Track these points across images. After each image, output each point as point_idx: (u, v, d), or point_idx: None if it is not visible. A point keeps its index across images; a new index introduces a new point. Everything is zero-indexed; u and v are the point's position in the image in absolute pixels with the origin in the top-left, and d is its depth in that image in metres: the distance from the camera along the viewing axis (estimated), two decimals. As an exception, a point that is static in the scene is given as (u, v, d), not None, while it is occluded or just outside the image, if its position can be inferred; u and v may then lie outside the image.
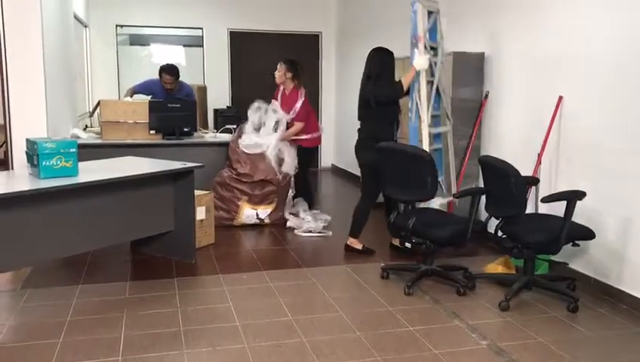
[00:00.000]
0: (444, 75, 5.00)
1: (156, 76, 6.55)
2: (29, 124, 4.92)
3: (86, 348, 3.09)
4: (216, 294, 3.93)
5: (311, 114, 6.07)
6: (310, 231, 5.52)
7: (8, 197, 3.37)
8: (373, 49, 4.82)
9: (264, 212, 5.71)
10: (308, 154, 6.09)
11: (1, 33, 4.80)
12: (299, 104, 5.87)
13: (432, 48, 4.77)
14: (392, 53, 4.75)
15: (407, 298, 3.88)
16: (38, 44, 4.91)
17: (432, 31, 4.83)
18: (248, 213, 5.67)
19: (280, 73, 5.95)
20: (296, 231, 5.56)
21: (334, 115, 7.39)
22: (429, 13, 4.73)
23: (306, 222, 5.64)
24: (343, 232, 5.11)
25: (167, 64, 6.64)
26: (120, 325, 3.38)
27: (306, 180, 6.21)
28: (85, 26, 8.28)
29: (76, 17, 7.19)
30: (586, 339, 3.33)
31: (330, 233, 5.51)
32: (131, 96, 6.52)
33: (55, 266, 4.42)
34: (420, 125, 4.61)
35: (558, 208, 3.78)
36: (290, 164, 5.76)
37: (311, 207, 6.10)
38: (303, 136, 5.92)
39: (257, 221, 5.70)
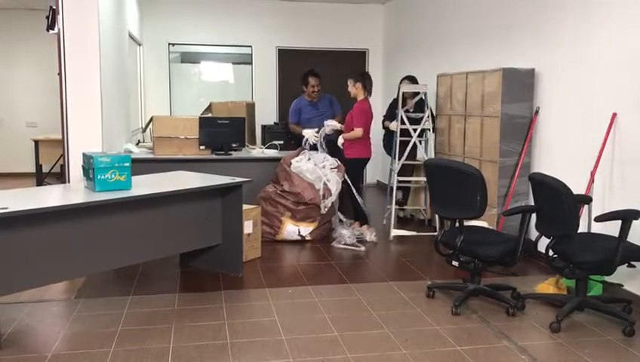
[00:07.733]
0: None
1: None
2: (85, 139, 5.11)
3: (136, 358, 3.16)
4: (263, 308, 3.96)
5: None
6: (350, 245, 5.55)
7: (65, 210, 3.51)
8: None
9: (306, 229, 5.73)
10: (359, 165, 6.10)
11: (62, 51, 5.01)
12: (358, 108, 5.93)
13: (416, 120, 6.17)
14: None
15: (454, 317, 3.82)
16: (96, 62, 5.11)
17: (420, 103, 6.28)
18: (290, 228, 5.71)
19: (355, 88, 5.97)
20: (334, 243, 5.63)
21: (380, 131, 7.41)
22: (416, 93, 6.29)
23: (345, 236, 5.68)
24: (384, 246, 5.05)
25: (310, 69, 6.79)
26: (169, 336, 3.45)
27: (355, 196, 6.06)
28: (139, 44, 8.56)
29: (131, 36, 7.44)
30: (643, 364, 3.21)
31: (363, 248, 5.50)
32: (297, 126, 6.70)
33: (107, 277, 4.55)
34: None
35: (611, 228, 3.67)
36: (334, 196, 5.75)
37: (364, 222, 6.06)
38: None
39: (299, 238, 5.73)
